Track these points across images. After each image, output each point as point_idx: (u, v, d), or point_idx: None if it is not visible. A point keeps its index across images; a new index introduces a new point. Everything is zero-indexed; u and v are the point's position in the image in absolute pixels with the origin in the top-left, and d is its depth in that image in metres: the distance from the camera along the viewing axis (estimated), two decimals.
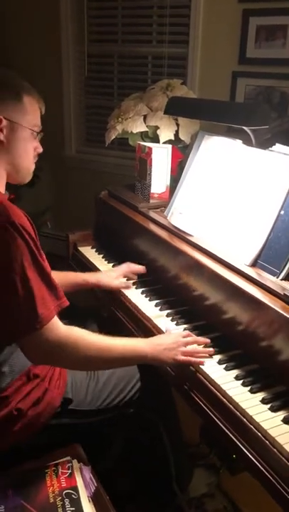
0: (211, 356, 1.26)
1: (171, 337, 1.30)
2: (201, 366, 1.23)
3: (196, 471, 1.76)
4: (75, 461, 1.17)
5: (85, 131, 3.34)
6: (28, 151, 1.23)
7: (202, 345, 1.30)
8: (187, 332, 1.33)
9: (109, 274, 1.66)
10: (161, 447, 1.55)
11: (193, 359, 1.24)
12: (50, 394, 1.27)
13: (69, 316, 1.39)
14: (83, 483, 1.12)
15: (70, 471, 1.13)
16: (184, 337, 1.30)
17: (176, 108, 1.55)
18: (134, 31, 2.94)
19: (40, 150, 1.28)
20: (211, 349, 1.28)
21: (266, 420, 1.06)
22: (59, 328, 1.13)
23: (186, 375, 1.25)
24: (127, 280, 1.67)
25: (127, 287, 1.62)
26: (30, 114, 1.21)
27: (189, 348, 1.27)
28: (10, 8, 3.20)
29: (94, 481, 1.14)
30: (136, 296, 1.59)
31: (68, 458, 1.16)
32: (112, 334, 1.25)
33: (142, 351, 1.24)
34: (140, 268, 1.67)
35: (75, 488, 1.09)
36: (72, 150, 3.37)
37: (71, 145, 3.37)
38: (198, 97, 2.71)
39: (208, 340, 1.30)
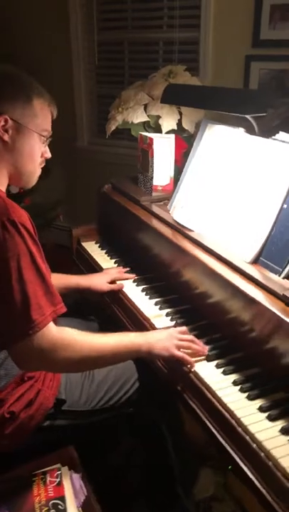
0: (205, 356, 1.21)
1: (166, 331, 1.27)
2: (196, 370, 1.17)
3: (202, 473, 1.70)
4: (64, 469, 1.12)
5: (97, 122, 3.27)
6: (34, 155, 1.19)
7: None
8: (184, 328, 1.28)
9: (101, 277, 1.62)
10: (164, 448, 1.50)
11: (187, 357, 1.20)
12: (42, 394, 1.24)
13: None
14: (72, 492, 1.07)
15: (58, 480, 1.09)
16: (181, 333, 1.25)
17: (172, 96, 1.47)
18: (144, 17, 2.85)
19: (49, 155, 1.24)
20: (206, 347, 1.23)
21: (262, 431, 0.99)
22: (51, 333, 1.08)
23: (179, 375, 1.20)
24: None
25: (120, 288, 1.57)
26: (40, 117, 1.17)
27: (185, 342, 1.22)
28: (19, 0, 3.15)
29: (84, 489, 1.10)
30: (136, 294, 1.53)
31: (58, 465, 1.12)
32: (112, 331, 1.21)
33: (136, 344, 1.20)
34: (129, 276, 1.63)
35: (63, 498, 1.05)
36: (84, 141, 3.32)
37: (83, 136, 3.31)
38: (210, 83, 2.63)
39: (205, 349, 1.23)
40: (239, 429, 1.01)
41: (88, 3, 2.98)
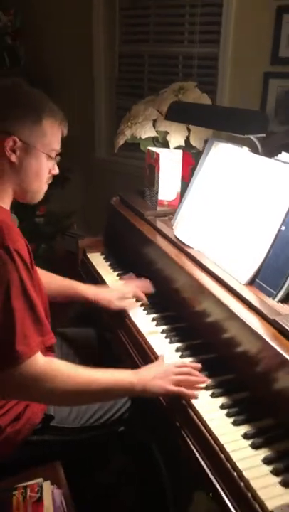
0: (205, 387, 1.15)
1: (162, 366, 1.20)
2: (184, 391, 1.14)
3: (197, 496, 1.67)
4: (46, 483, 1.11)
5: (116, 133, 3.29)
6: (41, 175, 1.17)
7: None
8: (181, 362, 1.23)
9: (111, 293, 1.53)
10: (156, 468, 1.48)
11: (185, 390, 1.12)
12: (31, 409, 1.22)
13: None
14: (52, 509, 1.06)
15: (38, 495, 1.08)
16: (178, 366, 1.19)
17: (176, 114, 1.46)
18: (165, 31, 2.87)
19: (56, 172, 1.22)
20: (205, 378, 1.17)
21: (244, 459, 0.96)
22: (37, 363, 1.05)
23: (177, 408, 1.14)
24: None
25: (129, 307, 1.50)
26: (49, 137, 1.15)
27: (181, 377, 1.15)
28: (43, 9, 3.21)
29: (65, 506, 1.09)
30: (134, 309, 1.52)
31: (39, 480, 1.11)
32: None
33: (128, 383, 1.14)
34: (144, 298, 1.53)
35: None
36: (102, 152, 3.35)
37: (101, 147, 3.34)
38: (228, 98, 2.62)
39: (205, 379, 1.17)
40: (222, 456, 0.99)
41: (111, 16, 3.02)
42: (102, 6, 3.01)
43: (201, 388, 1.15)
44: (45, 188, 1.23)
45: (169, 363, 1.22)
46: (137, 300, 1.54)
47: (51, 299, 1.43)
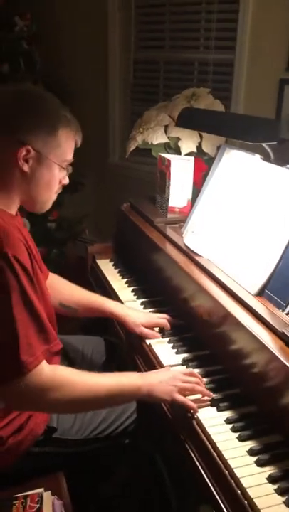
0: (209, 401, 1.12)
1: (169, 372, 1.18)
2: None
3: (202, 510, 1.63)
4: (47, 494, 1.10)
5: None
6: (51, 185, 1.15)
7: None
8: (190, 370, 1.20)
9: (139, 317, 1.43)
10: (160, 480, 1.45)
11: (189, 403, 1.10)
12: (33, 420, 1.19)
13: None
14: None
15: (38, 505, 1.06)
16: (186, 374, 1.16)
17: (187, 120, 1.44)
18: (180, 37, 2.86)
19: (66, 182, 1.19)
20: (211, 393, 1.14)
21: (248, 476, 0.93)
22: (43, 373, 1.03)
23: (182, 420, 1.11)
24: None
25: (151, 336, 1.40)
26: (63, 148, 1.12)
27: (188, 385, 1.13)
28: (59, 14, 3.22)
29: None
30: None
31: (40, 490, 1.09)
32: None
33: (135, 386, 1.12)
34: (168, 327, 1.42)
35: None
36: (116, 157, 3.34)
37: (115, 152, 3.33)
38: (243, 105, 2.60)
39: (210, 393, 1.14)
40: (226, 472, 0.96)
41: (127, 22, 3.02)
42: (118, 12, 3.01)
43: (206, 402, 1.12)
44: (54, 197, 1.20)
45: (177, 369, 1.20)
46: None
47: (77, 313, 1.44)
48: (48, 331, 1.06)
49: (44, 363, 1.04)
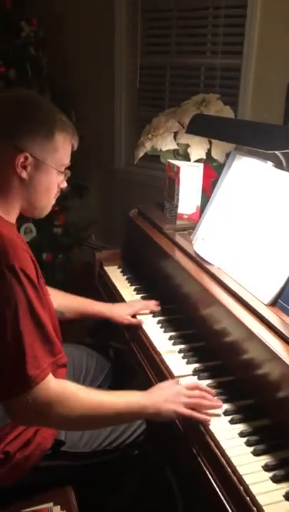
0: (224, 412, 1.10)
1: (174, 388, 1.15)
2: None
3: None
4: (56, 508, 1.08)
5: (135, 144, 3.27)
6: (50, 190, 1.14)
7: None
8: (194, 384, 1.18)
9: (123, 309, 1.55)
10: (170, 492, 1.43)
11: (196, 414, 1.08)
12: (41, 435, 1.17)
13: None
14: None
15: None
16: (190, 389, 1.14)
17: (199, 127, 1.42)
18: (187, 42, 2.85)
19: (65, 186, 1.18)
20: (220, 402, 1.12)
21: (264, 493, 0.91)
22: (50, 386, 1.01)
23: (194, 434, 1.09)
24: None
25: (139, 324, 1.50)
26: (60, 152, 1.11)
27: (193, 400, 1.11)
28: (66, 20, 3.22)
29: None
30: (151, 326, 1.48)
31: (49, 505, 1.07)
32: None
33: (140, 406, 1.10)
34: (155, 308, 1.55)
35: None
36: (121, 163, 3.33)
37: (121, 158, 3.32)
38: (250, 110, 2.58)
39: (219, 403, 1.12)
40: (240, 488, 0.93)
41: (133, 27, 3.02)
42: (124, 18, 3.00)
43: (215, 414, 1.10)
44: (52, 202, 1.19)
45: (181, 384, 1.17)
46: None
47: (64, 316, 1.44)
48: (54, 344, 1.04)
49: (51, 376, 1.02)
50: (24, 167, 1.07)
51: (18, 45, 2.82)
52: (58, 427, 1.15)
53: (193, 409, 1.10)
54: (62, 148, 1.11)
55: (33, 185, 1.10)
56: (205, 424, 1.07)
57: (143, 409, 1.10)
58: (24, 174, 1.07)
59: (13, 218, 1.12)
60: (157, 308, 1.55)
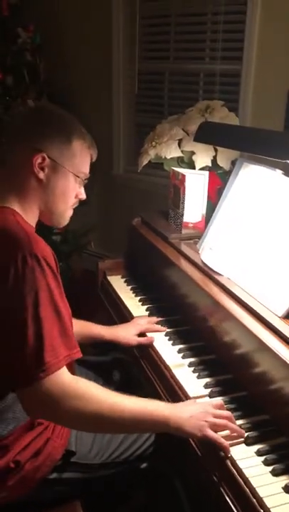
0: (243, 439, 1.04)
1: (200, 404, 1.10)
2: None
3: None
4: None
5: (134, 151, 3.25)
6: (67, 196, 1.16)
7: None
8: (220, 402, 1.11)
9: (128, 329, 1.48)
10: (179, 505, 1.39)
11: (222, 440, 1.01)
12: (51, 444, 1.15)
13: None
14: None
15: None
16: (216, 407, 1.08)
17: (207, 135, 1.40)
18: (186, 48, 2.83)
19: (83, 197, 1.21)
20: (243, 431, 1.05)
21: None
22: (65, 378, 1.00)
23: (214, 461, 1.02)
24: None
25: (149, 342, 1.43)
26: (78, 158, 1.14)
27: (221, 421, 1.05)
28: (63, 26, 3.20)
29: None
30: (158, 339, 1.44)
31: None
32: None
33: (163, 417, 1.04)
34: (160, 328, 1.48)
35: None
36: (120, 169, 3.30)
37: (119, 164, 3.30)
38: (250, 116, 2.56)
39: (242, 432, 1.06)
40: (261, 511, 0.90)
41: (131, 33, 3.00)
42: (122, 23, 2.98)
43: (240, 442, 1.04)
44: (70, 212, 1.21)
45: (206, 401, 1.13)
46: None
47: None
48: (70, 337, 1.03)
49: (66, 370, 1.00)
50: (42, 168, 1.10)
51: (14, 51, 2.80)
52: (68, 423, 1.09)
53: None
54: (80, 156, 1.15)
55: (51, 188, 1.13)
56: (226, 453, 1.01)
57: (165, 422, 1.03)
58: (41, 175, 1.10)
59: (32, 221, 1.14)
60: (163, 329, 1.48)
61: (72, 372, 1.07)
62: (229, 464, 1.00)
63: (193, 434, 1.04)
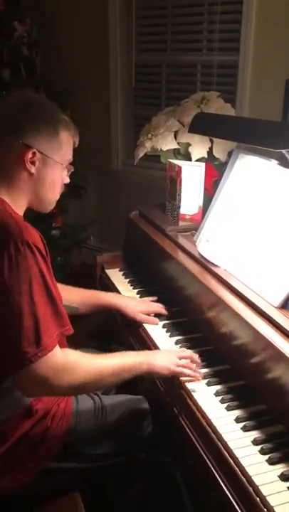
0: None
1: (166, 350, 1.31)
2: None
3: None
4: None
5: (133, 144, 3.24)
6: (56, 184, 1.21)
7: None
8: (189, 353, 1.27)
9: (138, 305, 1.53)
10: (179, 498, 1.40)
11: (188, 371, 1.21)
12: (50, 433, 1.18)
13: None
14: None
15: None
16: (180, 352, 1.27)
17: (202, 126, 1.39)
18: (183, 39, 2.82)
19: (67, 181, 1.25)
20: (201, 374, 1.23)
21: (283, 504, 0.88)
22: (57, 356, 1.06)
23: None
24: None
25: (153, 323, 1.48)
26: (64, 148, 1.19)
27: (184, 360, 1.23)
28: (59, 20, 3.18)
29: None
30: (155, 330, 1.44)
31: None
32: None
33: (137, 363, 1.20)
34: (163, 311, 1.53)
35: None
36: (118, 163, 3.29)
37: (118, 158, 3.29)
38: (248, 107, 2.55)
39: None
40: (257, 499, 0.90)
41: (128, 25, 2.98)
42: (119, 16, 2.96)
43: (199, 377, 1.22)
44: (57, 197, 1.25)
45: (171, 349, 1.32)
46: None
47: (79, 312, 1.47)
48: (63, 315, 1.08)
49: (57, 347, 1.06)
50: (32, 162, 1.13)
51: (11, 45, 2.78)
52: (66, 393, 1.19)
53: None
54: (66, 145, 1.19)
55: (41, 179, 1.16)
56: (196, 379, 1.21)
57: (138, 367, 1.18)
58: (33, 169, 1.14)
59: (20, 210, 1.17)
60: (164, 311, 1.53)
61: (64, 345, 1.14)
62: (226, 453, 1.00)
63: (162, 374, 1.22)
